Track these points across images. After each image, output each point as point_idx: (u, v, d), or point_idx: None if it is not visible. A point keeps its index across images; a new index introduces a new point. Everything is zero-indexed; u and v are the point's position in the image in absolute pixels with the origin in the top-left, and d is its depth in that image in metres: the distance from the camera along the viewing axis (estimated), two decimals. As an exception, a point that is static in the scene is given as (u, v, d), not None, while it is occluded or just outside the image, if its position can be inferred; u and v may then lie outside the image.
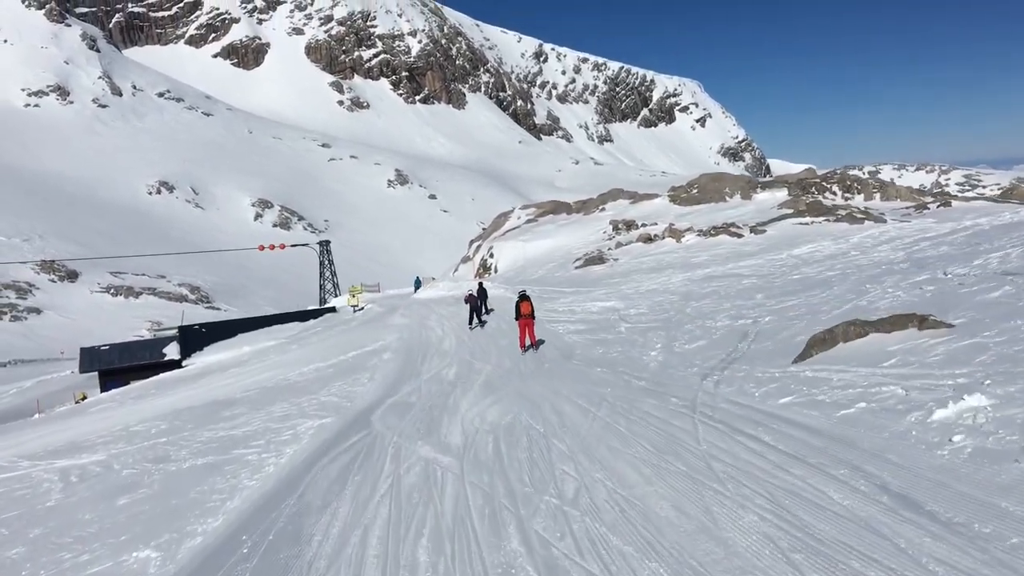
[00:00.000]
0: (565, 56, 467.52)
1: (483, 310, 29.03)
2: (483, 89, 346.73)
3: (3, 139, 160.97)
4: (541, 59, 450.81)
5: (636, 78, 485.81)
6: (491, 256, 55.70)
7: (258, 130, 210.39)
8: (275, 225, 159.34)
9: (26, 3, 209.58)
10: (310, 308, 46.66)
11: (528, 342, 20.91)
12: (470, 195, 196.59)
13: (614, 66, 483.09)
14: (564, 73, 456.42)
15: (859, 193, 38.02)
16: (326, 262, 61.13)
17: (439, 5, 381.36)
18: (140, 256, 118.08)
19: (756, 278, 22.86)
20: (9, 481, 15.53)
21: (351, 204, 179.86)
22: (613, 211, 53.89)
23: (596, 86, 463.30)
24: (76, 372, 38.36)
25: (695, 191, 48.67)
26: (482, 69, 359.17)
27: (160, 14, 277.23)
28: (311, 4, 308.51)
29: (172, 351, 35.66)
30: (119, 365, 35.25)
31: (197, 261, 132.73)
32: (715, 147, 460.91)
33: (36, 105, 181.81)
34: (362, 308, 41.98)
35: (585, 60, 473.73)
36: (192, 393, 22.24)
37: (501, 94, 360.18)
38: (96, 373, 35.41)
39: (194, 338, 35.37)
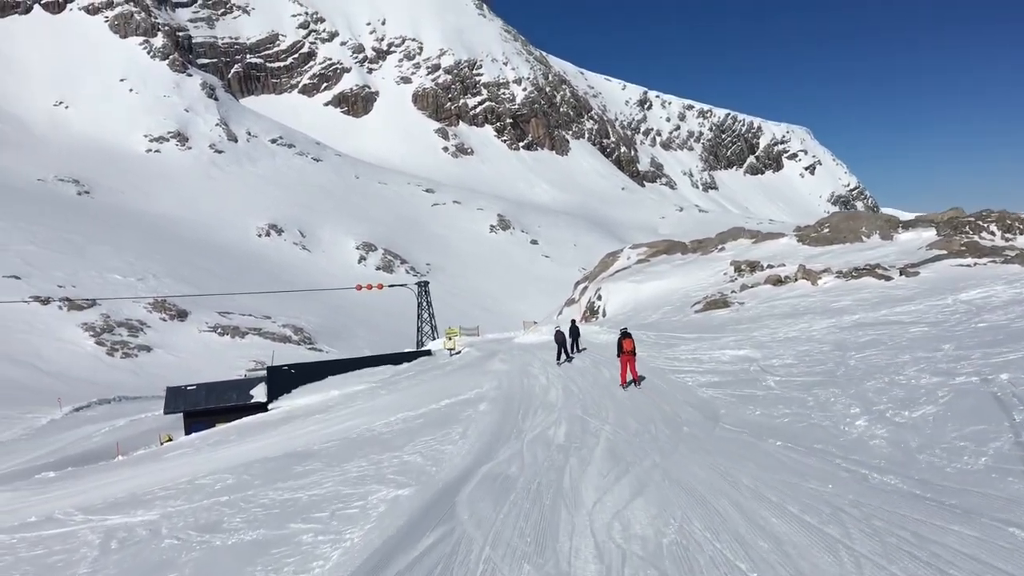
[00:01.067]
0: (670, 103, 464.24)
1: (575, 347, 29.57)
2: (586, 136, 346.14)
3: (125, 183, 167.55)
4: (645, 106, 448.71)
5: (742, 125, 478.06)
6: (599, 298, 52.63)
7: (365, 175, 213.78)
8: (378, 268, 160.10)
9: (151, 55, 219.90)
10: (404, 351, 44.59)
11: (630, 377, 21.18)
12: (572, 241, 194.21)
13: (720, 113, 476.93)
14: (668, 120, 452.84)
15: (1022, 234, 33.48)
16: (424, 303, 59.07)
17: (544, 54, 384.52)
18: (234, 294, 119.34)
19: (925, 326, 19.12)
20: (52, 540, 13.47)
21: (453, 248, 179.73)
22: (733, 251, 50.14)
23: (701, 133, 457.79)
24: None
25: (826, 230, 44.56)
26: (586, 116, 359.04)
27: (276, 64, 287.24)
28: (419, 54, 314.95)
29: (259, 393, 33.87)
30: (204, 407, 33.67)
31: (301, 302, 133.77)
32: (825, 195, 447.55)
33: (157, 151, 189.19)
34: (459, 352, 39.54)
35: (690, 107, 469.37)
36: (272, 441, 19.88)
37: (605, 141, 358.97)
38: (181, 414, 34.04)
39: (282, 380, 33.54)
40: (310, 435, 19.18)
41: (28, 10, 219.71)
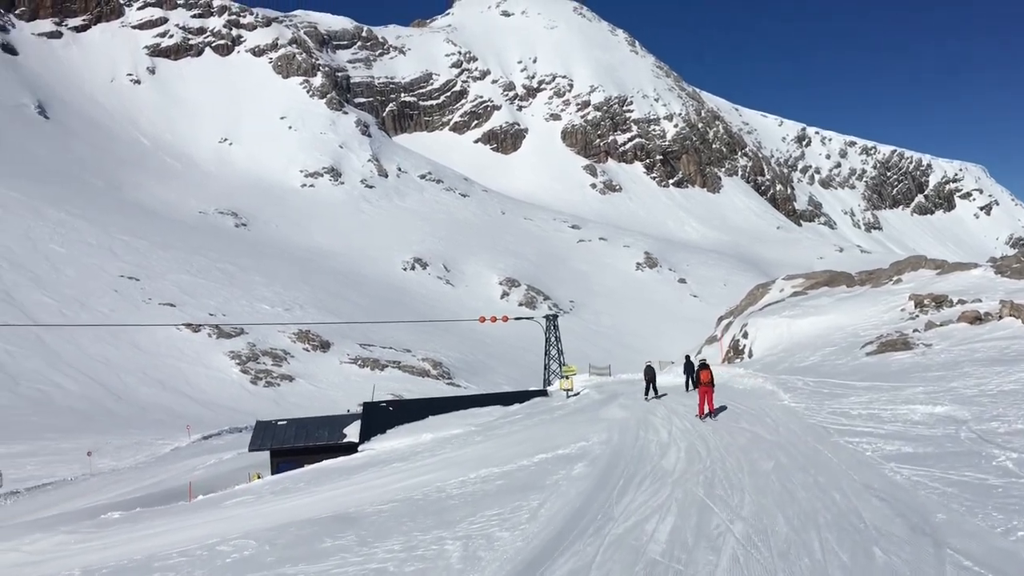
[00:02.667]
0: (830, 140, 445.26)
1: (690, 384, 29.25)
2: (740, 173, 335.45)
3: (280, 216, 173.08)
4: (804, 143, 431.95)
5: (910, 162, 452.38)
6: (744, 336, 47.30)
7: (511, 211, 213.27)
8: (520, 304, 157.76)
9: (311, 93, 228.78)
10: (518, 391, 40.90)
11: (707, 410, 21.88)
12: (722, 280, 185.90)
13: (885, 150, 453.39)
14: (828, 157, 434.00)
15: None
16: (552, 339, 55.08)
17: (697, 90, 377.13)
18: (358, 323, 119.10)
19: None
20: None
21: (598, 285, 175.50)
22: (913, 283, 43.20)
23: (864, 171, 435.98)
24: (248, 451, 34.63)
25: (1030, 261, 37.74)
26: (739, 153, 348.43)
27: (429, 103, 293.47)
28: (569, 91, 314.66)
29: (352, 432, 30.83)
30: (292, 445, 30.91)
31: (441, 337, 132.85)
32: (1002, 237, 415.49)
33: (311, 185, 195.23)
34: (576, 393, 35.36)
35: (852, 143, 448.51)
36: (329, 496, 16.52)
37: (759, 178, 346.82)
38: (268, 452, 31.41)
39: (378, 418, 30.44)
40: (374, 490, 15.68)
41: (200, 53, 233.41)
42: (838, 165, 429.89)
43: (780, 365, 33.03)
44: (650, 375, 28.95)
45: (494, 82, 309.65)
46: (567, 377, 35.14)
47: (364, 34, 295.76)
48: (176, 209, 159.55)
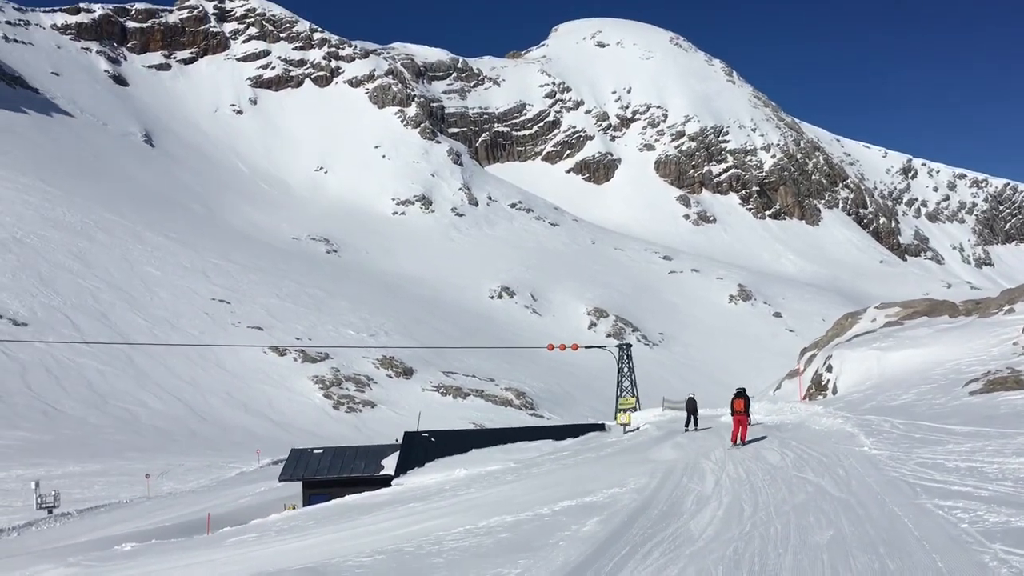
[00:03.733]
0: (938, 172, 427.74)
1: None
2: (841, 205, 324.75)
3: (371, 243, 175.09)
4: (909, 175, 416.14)
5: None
6: (828, 370, 43.37)
7: (601, 240, 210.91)
8: (608, 335, 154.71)
9: (405, 123, 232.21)
10: (574, 424, 38.70)
11: (739, 439, 22.27)
12: (820, 315, 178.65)
13: (997, 183, 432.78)
14: (936, 190, 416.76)
15: None
16: (625, 369, 52.49)
17: (796, 120, 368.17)
18: (427, 347, 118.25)
19: None
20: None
21: (689, 317, 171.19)
22: (1028, 313, 39.16)
23: (974, 204, 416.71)
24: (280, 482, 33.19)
25: None
26: (840, 184, 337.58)
27: (522, 133, 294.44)
28: (663, 121, 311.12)
29: (390, 464, 29.18)
30: (326, 476, 29.42)
31: (525, 366, 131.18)
32: None
33: (403, 213, 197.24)
34: (635, 429, 32.94)
35: (962, 176, 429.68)
36: (319, 541, 14.95)
37: (861, 211, 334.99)
38: (300, 482, 29.98)
39: (419, 449, 28.76)
40: (369, 537, 13.93)
41: (300, 84, 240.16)
42: (946, 198, 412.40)
43: (866, 404, 29.88)
44: (691, 407, 28.95)
45: (587, 112, 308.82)
46: (624, 411, 32.78)
47: (459, 65, 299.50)
48: (270, 234, 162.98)
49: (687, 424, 29.00)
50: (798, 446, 21.13)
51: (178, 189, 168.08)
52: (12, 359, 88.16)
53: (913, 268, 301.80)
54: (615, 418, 47.68)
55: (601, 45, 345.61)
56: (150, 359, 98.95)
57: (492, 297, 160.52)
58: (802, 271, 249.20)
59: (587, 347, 61.74)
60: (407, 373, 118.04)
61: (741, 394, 23.58)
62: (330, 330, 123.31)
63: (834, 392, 40.92)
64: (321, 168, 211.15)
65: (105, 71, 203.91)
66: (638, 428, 33.18)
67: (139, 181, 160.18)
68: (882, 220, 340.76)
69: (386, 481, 27.27)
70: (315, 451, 32.51)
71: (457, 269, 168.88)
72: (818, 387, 44.08)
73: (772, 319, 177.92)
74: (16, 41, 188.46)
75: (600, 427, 35.20)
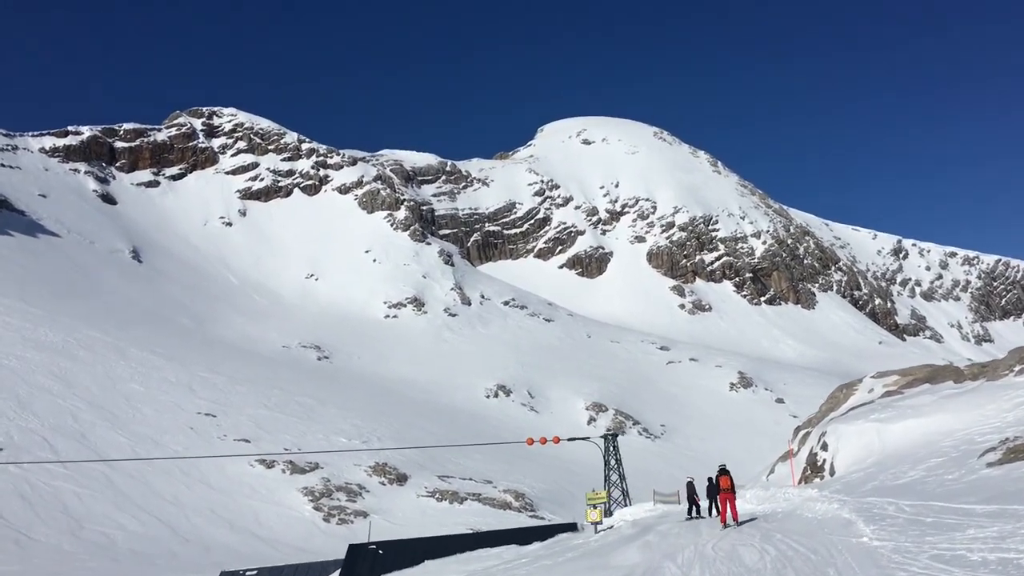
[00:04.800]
0: (928, 251, 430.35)
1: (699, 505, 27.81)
2: (835, 288, 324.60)
3: (363, 347, 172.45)
4: (900, 255, 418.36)
5: (1016, 271, 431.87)
6: (823, 448, 40.08)
7: (597, 334, 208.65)
8: (608, 430, 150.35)
9: (394, 227, 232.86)
10: (544, 524, 35.40)
11: (730, 518, 21.80)
12: (823, 398, 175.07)
13: (988, 259, 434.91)
14: (928, 269, 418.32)
15: None
16: (612, 461, 49.21)
17: (784, 207, 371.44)
18: (411, 447, 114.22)
19: None
20: None
21: (689, 407, 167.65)
22: (1042, 373, 36.14)
23: (968, 281, 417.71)
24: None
25: None
26: (833, 268, 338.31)
27: (513, 231, 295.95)
28: (653, 212, 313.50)
29: None
30: None
31: (523, 466, 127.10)
32: None
33: (395, 316, 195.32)
34: (607, 527, 30.01)
35: (953, 254, 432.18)
36: None
37: (856, 293, 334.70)
38: None
39: (363, 563, 25.69)
40: None
41: (288, 193, 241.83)
42: (939, 277, 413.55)
43: (867, 484, 27.10)
44: (691, 492, 27.71)
45: (577, 208, 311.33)
46: (595, 506, 29.56)
47: (448, 168, 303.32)
48: (260, 344, 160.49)
49: (689, 513, 27.54)
50: (783, 540, 18.68)
51: (166, 304, 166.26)
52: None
53: (913, 348, 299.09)
54: (585, 516, 44.39)
55: (587, 142, 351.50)
56: (130, 479, 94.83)
57: (488, 396, 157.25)
58: (801, 355, 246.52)
59: (570, 439, 58.42)
60: (401, 480, 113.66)
61: (725, 471, 23.08)
62: (320, 439, 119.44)
63: (831, 473, 37.75)
64: (312, 275, 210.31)
65: (93, 190, 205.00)
66: (612, 526, 30.28)
67: (126, 297, 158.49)
68: (877, 301, 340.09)
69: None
70: (248, 572, 29.26)
71: (451, 370, 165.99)
72: (813, 468, 40.51)
73: (774, 405, 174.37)
74: (3, 165, 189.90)
75: (572, 527, 32.11)
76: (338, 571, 27.01)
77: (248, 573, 29.17)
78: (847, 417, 42.77)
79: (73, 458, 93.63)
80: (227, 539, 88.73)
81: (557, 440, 47.00)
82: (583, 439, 57.43)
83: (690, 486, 29.53)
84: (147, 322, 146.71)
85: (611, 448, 50.58)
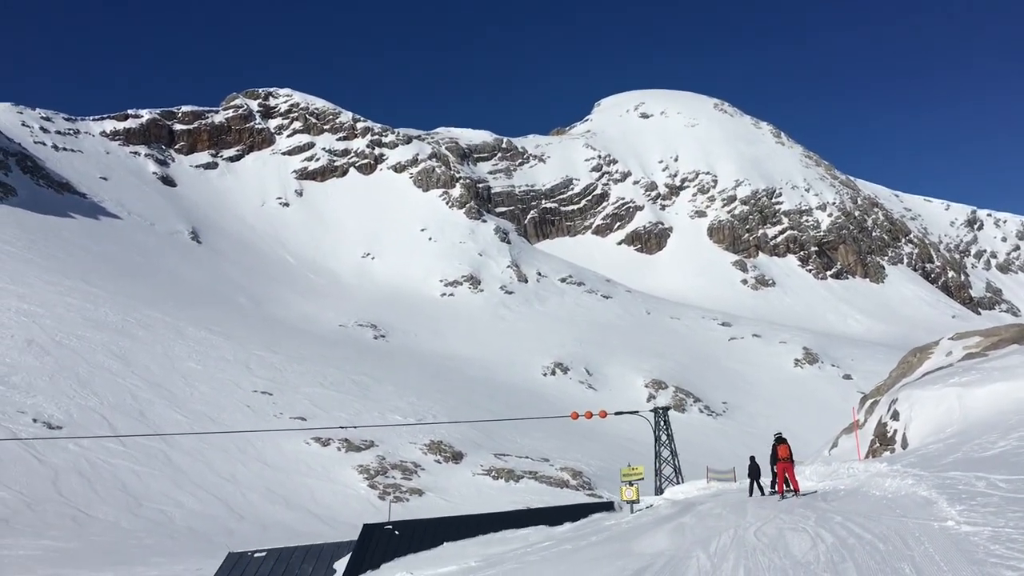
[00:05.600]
0: (1005, 222, 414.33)
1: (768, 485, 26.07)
2: (905, 261, 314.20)
3: (419, 326, 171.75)
4: (975, 226, 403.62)
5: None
6: (894, 417, 35.44)
7: (656, 310, 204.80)
8: (668, 407, 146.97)
9: (450, 204, 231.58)
10: (579, 504, 33.04)
11: (789, 489, 21.70)
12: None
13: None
14: (1005, 240, 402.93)
15: None
16: (663, 437, 46.40)
17: (851, 178, 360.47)
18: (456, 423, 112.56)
19: None
20: None
21: (752, 385, 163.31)
22: None
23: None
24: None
25: None
26: (903, 240, 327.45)
27: (570, 208, 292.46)
28: (713, 186, 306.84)
29: (344, 566, 24.12)
30: None
31: (581, 444, 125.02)
32: None
33: (451, 294, 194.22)
34: (647, 505, 27.54)
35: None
36: None
37: (928, 266, 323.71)
38: None
39: (378, 545, 23.77)
40: None
41: (344, 173, 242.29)
42: (1016, 248, 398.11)
43: (948, 457, 23.34)
44: (754, 472, 26.39)
45: (635, 183, 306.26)
46: (630, 483, 26.90)
47: (504, 145, 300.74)
48: (316, 323, 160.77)
49: (751, 491, 26.38)
50: (844, 523, 15.74)
51: (224, 283, 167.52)
52: (44, 464, 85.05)
53: (988, 322, 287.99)
54: (655, 493, 41.69)
55: (645, 116, 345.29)
56: (188, 456, 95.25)
57: (545, 374, 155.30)
58: (870, 331, 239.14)
59: (617, 413, 55.65)
60: (456, 457, 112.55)
61: (781, 439, 22.39)
62: (376, 416, 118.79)
63: (903, 445, 33.44)
64: (368, 254, 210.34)
65: (153, 173, 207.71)
66: (651, 505, 27.84)
67: (185, 278, 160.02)
68: (951, 274, 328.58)
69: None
70: (256, 554, 27.65)
71: (508, 347, 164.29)
72: (882, 440, 36.32)
73: (841, 382, 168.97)
74: (65, 149, 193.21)
75: (608, 506, 29.73)
76: (351, 553, 25.29)
77: (257, 554, 27.66)
78: (922, 382, 37.76)
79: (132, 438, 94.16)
80: (283, 516, 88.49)
81: (604, 414, 44.61)
82: (632, 413, 54.46)
83: (753, 465, 27.07)
84: (205, 302, 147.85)
85: (662, 423, 47.87)
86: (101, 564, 60.58)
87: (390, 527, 26.71)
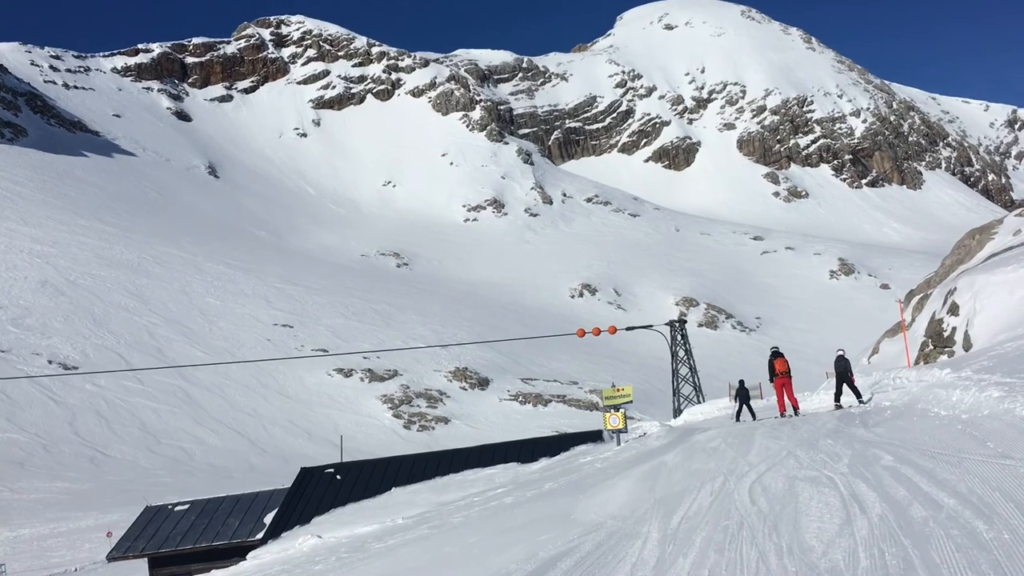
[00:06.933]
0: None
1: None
2: (943, 166, 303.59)
3: (443, 252, 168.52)
4: (1016, 126, 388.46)
5: None
6: (951, 312, 29.16)
7: (686, 227, 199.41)
8: (700, 325, 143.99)
9: (470, 127, 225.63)
10: (560, 434, 29.64)
11: (788, 406, 20.23)
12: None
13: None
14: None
15: None
16: (681, 353, 42.37)
17: (886, 82, 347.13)
18: (465, 344, 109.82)
19: None
20: None
21: (787, 299, 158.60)
22: None
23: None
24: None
25: None
26: (941, 144, 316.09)
27: (595, 126, 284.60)
28: (742, 97, 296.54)
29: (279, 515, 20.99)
30: (175, 549, 21.27)
31: (611, 366, 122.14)
32: None
33: (475, 219, 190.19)
34: (639, 434, 23.72)
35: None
36: None
37: (967, 169, 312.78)
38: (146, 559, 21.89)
39: (315, 492, 20.64)
40: None
41: (361, 100, 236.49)
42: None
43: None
44: (744, 395, 24.04)
45: (661, 97, 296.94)
46: (615, 408, 22.95)
47: (525, 65, 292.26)
48: (338, 254, 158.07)
49: (738, 416, 23.87)
50: (898, 468, 10.26)
51: (243, 217, 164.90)
52: (60, 405, 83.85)
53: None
54: (673, 415, 38.14)
55: (669, 27, 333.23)
56: (207, 392, 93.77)
57: (573, 296, 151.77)
58: (908, 239, 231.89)
59: (628, 328, 51.43)
60: (482, 384, 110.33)
61: (778, 353, 20.95)
62: (399, 345, 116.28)
63: (966, 347, 26.76)
64: (389, 182, 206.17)
65: (167, 108, 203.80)
66: (644, 434, 23.98)
67: (202, 213, 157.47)
68: (991, 177, 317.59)
69: (242, 550, 19.18)
70: (177, 507, 24.70)
71: (534, 270, 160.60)
72: (937, 341, 29.59)
73: (879, 292, 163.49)
74: (77, 87, 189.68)
75: (596, 436, 25.99)
76: (280, 504, 22.20)
77: (178, 507, 24.87)
78: (988, 265, 31.10)
79: (150, 374, 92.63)
80: (307, 449, 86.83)
81: (613, 330, 40.67)
82: (645, 327, 50.33)
83: (742, 388, 24.12)
84: (223, 236, 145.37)
85: (679, 337, 43.61)
86: (112, 504, 59.03)
87: (331, 471, 23.70)
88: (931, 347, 30.51)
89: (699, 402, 38.50)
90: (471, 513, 14.89)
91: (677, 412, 39.72)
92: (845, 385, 21.56)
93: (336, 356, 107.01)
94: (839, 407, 20.52)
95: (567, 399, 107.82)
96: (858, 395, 20.59)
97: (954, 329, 28.87)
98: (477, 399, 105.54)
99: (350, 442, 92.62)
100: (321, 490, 21.77)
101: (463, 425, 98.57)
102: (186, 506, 25.34)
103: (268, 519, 22.43)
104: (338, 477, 23.00)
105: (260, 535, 21.35)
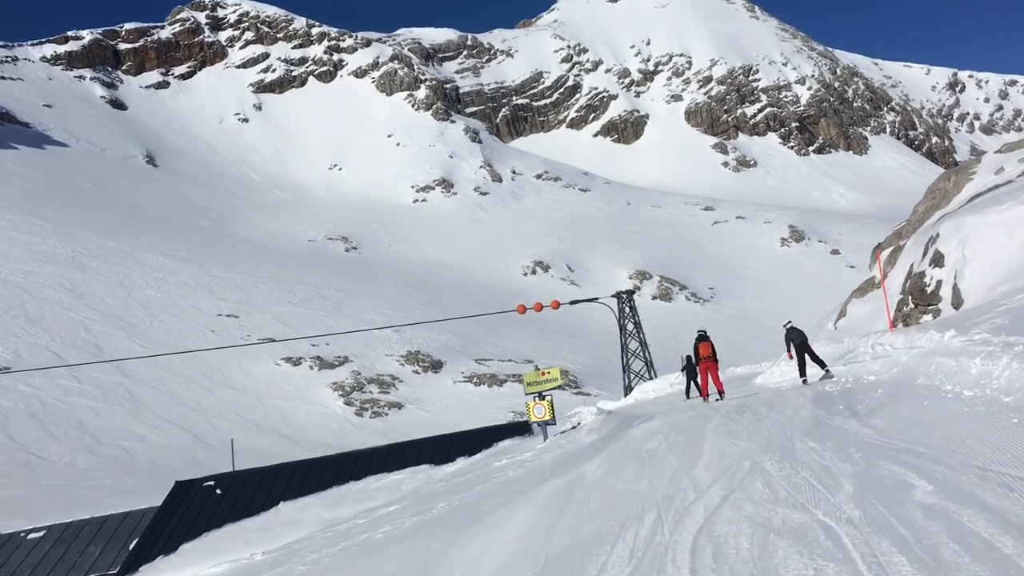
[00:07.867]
0: (987, 82, 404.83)
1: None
2: (888, 130, 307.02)
3: (392, 235, 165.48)
4: (957, 89, 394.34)
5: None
6: (934, 263, 25.35)
7: (637, 200, 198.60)
8: (654, 297, 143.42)
9: (415, 107, 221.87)
10: (484, 427, 27.72)
11: (713, 391, 19.61)
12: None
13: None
14: (987, 101, 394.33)
15: None
16: (628, 326, 40.53)
17: (829, 49, 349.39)
18: (414, 324, 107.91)
19: None
20: None
21: (739, 268, 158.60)
22: None
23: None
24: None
25: None
26: (885, 108, 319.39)
27: (542, 102, 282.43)
28: (688, 68, 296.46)
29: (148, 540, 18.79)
30: None
31: (566, 343, 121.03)
32: None
33: (423, 200, 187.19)
34: (571, 426, 21.37)
35: (1012, 82, 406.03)
36: None
37: (911, 133, 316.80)
38: None
39: (192, 510, 18.42)
40: None
41: (303, 83, 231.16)
42: (999, 108, 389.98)
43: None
44: (691, 372, 23.04)
45: (608, 71, 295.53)
46: (540, 396, 20.36)
47: (469, 42, 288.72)
48: (284, 240, 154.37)
49: (687, 392, 23.26)
50: (944, 508, 6.02)
51: (184, 207, 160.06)
52: (-9, 408, 79.84)
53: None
54: (624, 393, 36.39)
55: (613, 0, 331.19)
56: (149, 388, 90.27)
57: (525, 274, 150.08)
58: (856, 204, 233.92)
59: (572, 303, 49.70)
60: (436, 367, 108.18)
61: (704, 336, 21.05)
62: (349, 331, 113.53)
63: (956, 303, 23.08)
64: (335, 165, 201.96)
65: (101, 97, 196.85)
66: (578, 424, 21.65)
67: (141, 203, 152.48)
68: (934, 140, 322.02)
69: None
70: (31, 535, 22.17)
71: (485, 250, 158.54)
72: (919, 298, 25.78)
73: (831, 257, 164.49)
74: (4, 78, 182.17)
75: (523, 428, 23.60)
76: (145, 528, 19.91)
77: (31, 535, 22.34)
78: (976, 205, 26.80)
79: (86, 372, 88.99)
80: (255, 442, 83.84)
81: (556, 305, 38.72)
82: (589, 300, 48.65)
83: (688, 364, 23.14)
84: (163, 227, 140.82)
85: (626, 309, 41.70)
86: (47, 511, 56.06)
87: (211, 484, 21.34)
88: (911, 305, 26.64)
89: (650, 378, 36.74)
90: (323, 557, 12.64)
91: (628, 389, 37.86)
92: (807, 356, 19.42)
93: (283, 344, 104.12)
94: (805, 382, 18.33)
95: (523, 379, 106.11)
96: (822, 364, 18.58)
97: (939, 283, 25.02)
98: (431, 382, 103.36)
99: (299, 432, 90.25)
100: (197, 507, 19.44)
101: (417, 410, 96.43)
102: (42, 532, 22.70)
103: (136, 543, 20.05)
104: (218, 491, 20.66)
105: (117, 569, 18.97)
